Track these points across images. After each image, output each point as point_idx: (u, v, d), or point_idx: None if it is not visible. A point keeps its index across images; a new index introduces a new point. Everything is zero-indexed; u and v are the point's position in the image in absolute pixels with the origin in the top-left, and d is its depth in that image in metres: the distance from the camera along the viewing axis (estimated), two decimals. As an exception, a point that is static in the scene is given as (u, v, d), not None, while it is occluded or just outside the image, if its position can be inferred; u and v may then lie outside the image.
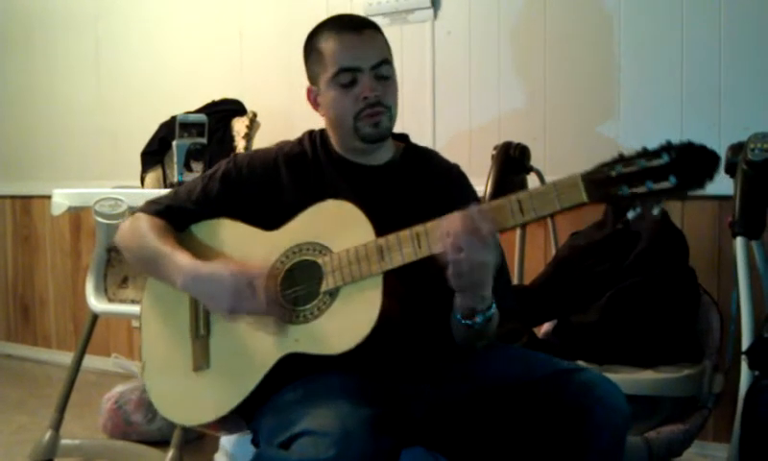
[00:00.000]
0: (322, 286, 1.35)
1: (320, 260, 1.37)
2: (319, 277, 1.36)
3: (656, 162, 1.15)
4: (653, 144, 2.64)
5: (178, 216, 1.53)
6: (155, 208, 1.54)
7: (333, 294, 1.35)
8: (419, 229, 1.29)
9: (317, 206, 1.42)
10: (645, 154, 1.16)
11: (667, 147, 1.15)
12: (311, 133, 1.60)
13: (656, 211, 1.17)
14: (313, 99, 1.55)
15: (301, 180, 1.52)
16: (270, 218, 1.46)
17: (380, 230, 1.34)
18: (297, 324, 1.36)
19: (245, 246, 1.46)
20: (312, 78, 1.54)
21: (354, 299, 1.33)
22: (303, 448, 1.17)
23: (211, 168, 1.59)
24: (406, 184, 1.53)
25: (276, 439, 1.25)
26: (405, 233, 1.30)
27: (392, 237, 1.31)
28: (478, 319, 1.33)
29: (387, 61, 1.49)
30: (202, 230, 1.53)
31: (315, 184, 1.50)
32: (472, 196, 1.61)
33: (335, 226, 1.38)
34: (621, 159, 1.18)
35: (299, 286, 1.38)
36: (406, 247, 1.30)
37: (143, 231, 1.50)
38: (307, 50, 1.55)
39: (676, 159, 1.14)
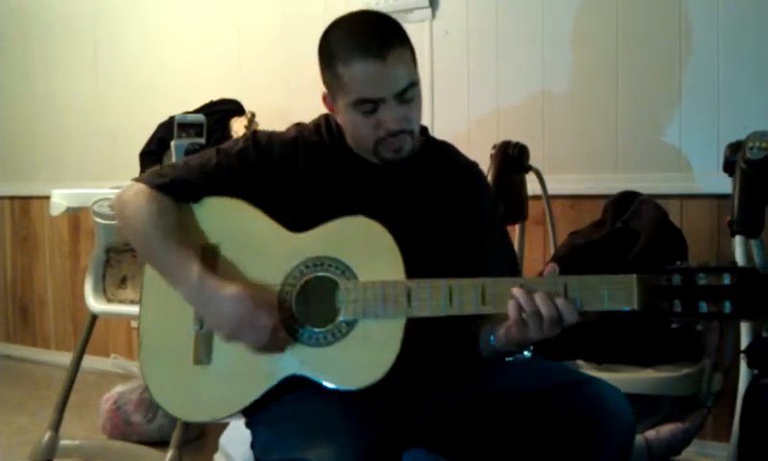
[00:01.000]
0: (340, 313, 1.30)
1: (341, 283, 1.30)
2: (338, 300, 1.30)
3: (715, 282, 1.11)
4: (651, 143, 2.64)
5: (184, 191, 1.43)
6: (158, 182, 1.43)
7: (350, 324, 1.29)
8: (452, 283, 1.24)
9: (346, 219, 1.34)
10: (707, 268, 1.12)
11: (731, 268, 1.11)
12: (328, 119, 1.50)
13: (699, 327, 1.15)
14: (329, 104, 1.45)
15: (319, 169, 1.44)
16: (284, 203, 1.40)
17: (396, 229, 1.30)
18: (307, 345, 1.31)
19: (263, 243, 1.39)
20: (328, 88, 1.42)
21: (372, 337, 1.27)
22: None
23: (228, 141, 1.49)
24: (424, 182, 1.47)
25: (270, 456, 1.24)
26: (437, 284, 1.25)
27: (423, 284, 1.25)
28: (511, 358, 1.33)
29: (413, 84, 1.36)
30: (217, 207, 1.43)
31: (332, 176, 1.44)
32: (490, 197, 1.56)
33: (363, 248, 1.31)
34: (680, 270, 1.14)
35: (314, 303, 1.33)
36: (436, 299, 1.25)
37: (144, 214, 1.40)
38: (323, 56, 1.40)
39: (737, 284, 1.10)
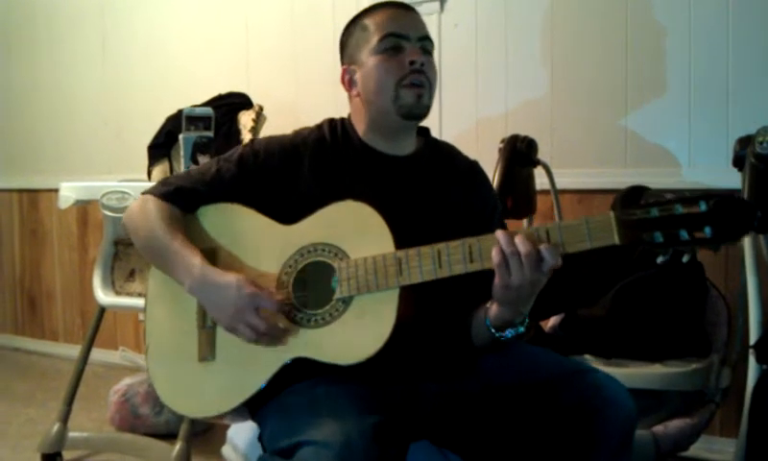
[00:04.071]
0: (335, 292, 1.33)
1: (335, 264, 1.33)
2: (332, 280, 1.33)
3: (692, 210, 1.11)
4: (660, 137, 2.64)
5: (188, 198, 1.49)
6: (164, 191, 1.49)
7: (347, 302, 1.32)
8: (440, 246, 1.26)
9: (336, 205, 1.37)
10: (683, 200, 1.13)
11: (706, 196, 1.12)
12: (332, 121, 1.56)
13: (685, 259, 1.15)
14: (348, 80, 1.51)
15: (320, 166, 1.47)
16: (285, 205, 1.44)
17: (399, 223, 1.32)
18: (307, 327, 1.33)
19: (258, 238, 1.43)
20: (351, 56, 1.51)
21: (368, 311, 1.30)
22: (305, 459, 1.16)
23: (228, 152, 1.54)
24: (429, 178, 1.50)
25: (278, 443, 1.24)
26: (426, 250, 1.27)
27: (412, 252, 1.28)
28: (508, 333, 1.33)
29: (431, 41, 1.49)
30: (213, 214, 1.48)
31: (334, 172, 1.47)
32: (491, 193, 1.60)
33: (353, 229, 1.34)
34: (657, 203, 1.15)
35: (311, 288, 1.35)
36: (426, 265, 1.27)
37: (152, 220, 1.45)
38: (349, 30, 1.53)
39: (713, 210, 1.10)
